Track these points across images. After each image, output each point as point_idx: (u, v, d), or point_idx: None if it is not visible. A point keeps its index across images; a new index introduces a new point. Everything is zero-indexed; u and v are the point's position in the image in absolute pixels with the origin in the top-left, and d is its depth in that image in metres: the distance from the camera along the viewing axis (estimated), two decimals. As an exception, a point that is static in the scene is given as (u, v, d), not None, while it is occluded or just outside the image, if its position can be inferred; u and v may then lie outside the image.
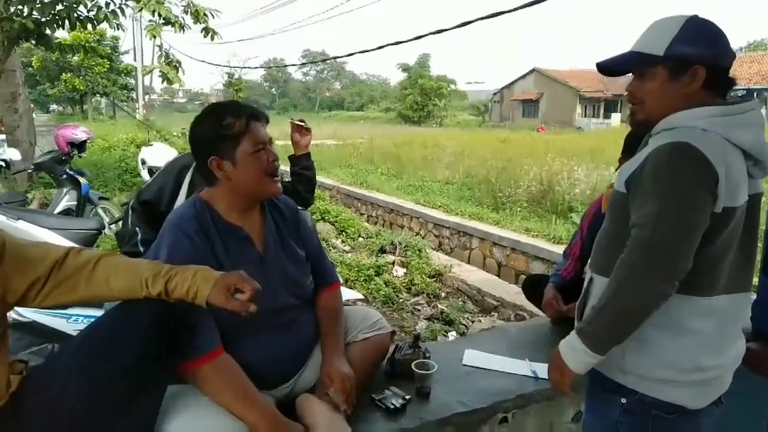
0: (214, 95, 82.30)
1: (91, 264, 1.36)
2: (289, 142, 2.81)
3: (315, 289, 1.84)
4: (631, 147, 2.19)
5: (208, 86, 73.87)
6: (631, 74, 1.45)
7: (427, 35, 6.42)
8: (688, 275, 1.24)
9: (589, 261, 1.54)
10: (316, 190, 3.00)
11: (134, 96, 27.98)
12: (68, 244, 3.68)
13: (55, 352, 1.50)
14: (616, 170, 2.37)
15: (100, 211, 5.93)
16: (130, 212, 2.49)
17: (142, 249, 2.31)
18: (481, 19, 5.27)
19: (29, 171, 6.24)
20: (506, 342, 2.34)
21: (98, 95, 31.37)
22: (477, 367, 2.10)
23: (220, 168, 1.60)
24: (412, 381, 1.90)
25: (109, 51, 23.14)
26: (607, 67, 1.44)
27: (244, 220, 1.67)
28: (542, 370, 2.04)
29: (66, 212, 5.56)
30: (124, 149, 12.83)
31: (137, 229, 2.41)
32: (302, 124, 2.78)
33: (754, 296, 1.44)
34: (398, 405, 1.76)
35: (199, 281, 1.32)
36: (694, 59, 1.31)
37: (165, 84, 6.69)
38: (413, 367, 1.92)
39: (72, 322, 2.52)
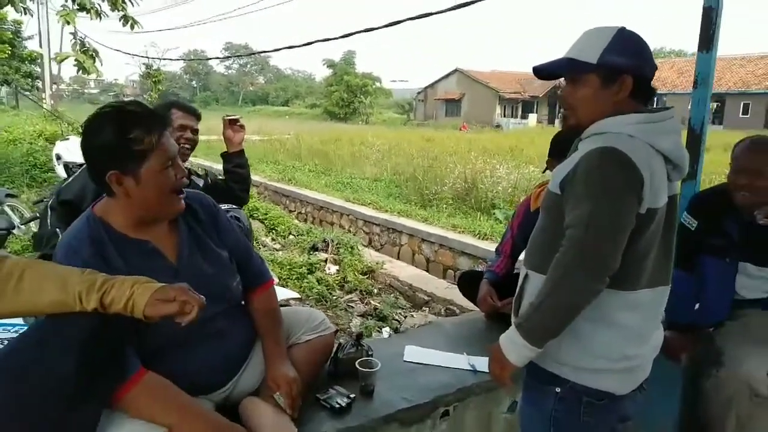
0: (130, 86, 78.14)
1: (15, 275, 1.26)
2: (213, 137, 2.72)
3: (245, 289, 1.76)
4: (558, 147, 2.32)
5: (123, 76, 69.93)
6: (562, 79, 1.53)
7: (356, 33, 6.42)
8: (617, 271, 1.33)
9: (523, 258, 1.63)
10: None
11: (40, 85, 25.90)
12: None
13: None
14: (544, 171, 2.51)
15: (7, 209, 5.48)
16: (49, 212, 2.33)
17: None
18: (411, 19, 5.34)
19: None
20: (444, 337, 2.41)
21: (-1, 84, 28.79)
22: (418, 363, 2.15)
23: (119, 183, 1.43)
24: (355, 379, 1.92)
25: (11, 36, 21.23)
26: (543, 71, 1.52)
27: (149, 232, 1.53)
28: (480, 363, 2.14)
29: (-33, 211, 5.09)
30: (32, 142, 11.86)
31: (57, 230, 2.26)
32: (237, 118, 2.71)
33: (663, 298, 1.54)
34: (343, 404, 1.77)
35: (136, 294, 1.26)
36: (623, 69, 1.40)
37: (80, 73, 6.24)
38: (357, 365, 1.94)
39: (-16, 332, 2.32)
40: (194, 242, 1.62)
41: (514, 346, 1.40)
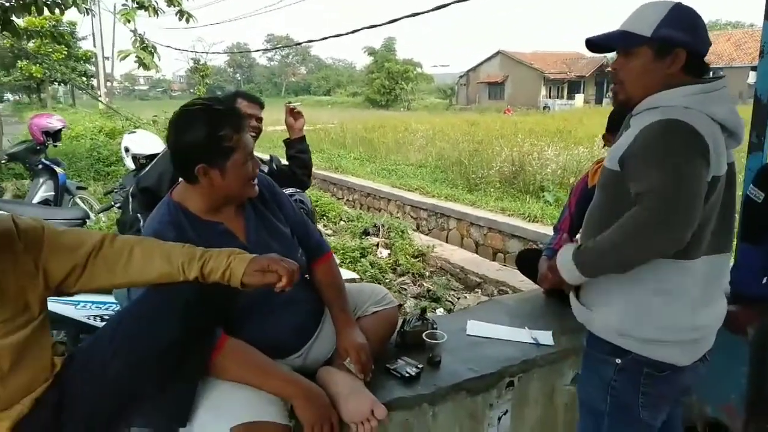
0: (177, 81, 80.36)
1: (126, 250, 1.40)
2: (273, 127, 2.83)
3: (308, 263, 1.85)
4: (615, 123, 2.31)
5: (170, 72, 71.95)
6: (612, 55, 1.55)
7: (401, 18, 6.44)
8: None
9: (580, 234, 1.65)
10: None
11: (94, 83, 27.07)
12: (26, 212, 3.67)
13: (94, 335, 1.53)
14: (604, 147, 2.51)
15: (78, 200, 5.83)
16: (130, 199, 2.50)
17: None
18: (458, 1, 5.33)
19: (2, 161, 6.06)
20: (505, 313, 2.46)
21: (56, 83, 30.25)
22: (481, 337, 2.21)
23: (206, 175, 1.57)
24: (421, 351, 2.00)
25: (67, 37, 22.24)
26: (596, 43, 1.52)
27: (221, 214, 1.67)
28: (543, 337, 2.18)
29: (44, 202, 5.44)
30: (93, 138, 12.48)
31: (139, 215, 2.43)
32: (296, 107, 2.83)
33: (732, 257, 1.54)
34: (413, 373, 1.85)
35: (233, 264, 1.37)
36: (677, 42, 1.40)
37: (139, 69, 6.53)
38: (424, 337, 2.02)
39: (80, 308, 2.54)
40: (260, 221, 1.74)
41: (566, 266, 1.48)
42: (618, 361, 1.49)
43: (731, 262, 1.55)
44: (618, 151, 1.43)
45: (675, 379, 1.50)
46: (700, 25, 1.44)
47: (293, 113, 2.83)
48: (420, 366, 1.89)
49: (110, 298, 2.57)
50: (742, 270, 2.17)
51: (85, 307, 2.53)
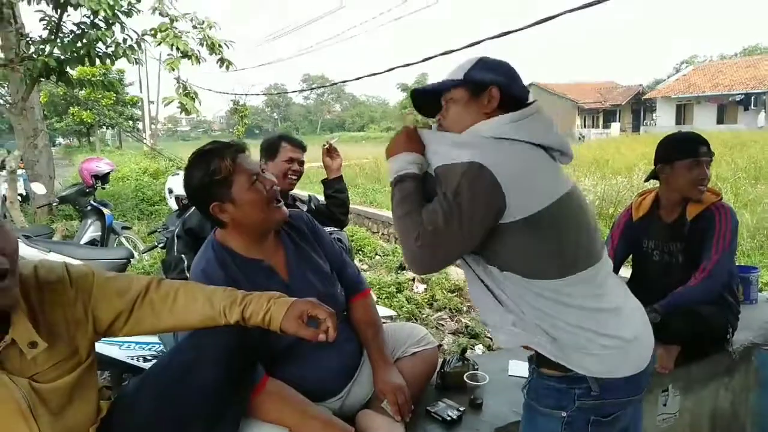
0: (217, 122, 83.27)
1: (171, 295, 1.42)
2: (309, 164, 2.88)
3: (346, 299, 1.85)
4: (666, 152, 2.29)
5: (211, 114, 74.72)
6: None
7: (436, 56, 6.55)
8: (541, 267, 1.32)
9: None
10: None
11: (140, 126, 28.36)
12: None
13: (139, 378, 1.56)
14: (647, 180, 2.45)
15: (123, 240, 6.04)
16: (175, 240, 2.57)
17: (188, 275, 2.39)
18: (491, 38, 5.40)
19: (54, 204, 6.36)
20: (547, 352, 2.40)
21: (105, 127, 31.84)
22: (524, 377, 2.15)
23: (223, 212, 1.61)
24: (462, 393, 1.96)
25: (116, 84, 23.54)
26: (421, 94, 1.57)
27: (262, 251, 1.69)
28: (588, 376, 2.11)
29: (91, 242, 5.66)
30: (138, 179, 13.00)
31: (183, 256, 2.49)
32: (332, 143, 2.89)
33: (606, 265, 1.45)
34: (454, 416, 1.81)
35: (273, 308, 1.38)
36: (488, 81, 1.43)
37: (182, 114, 6.84)
38: (465, 378, 1.99)
39: (124, 348, 2.59)
40: (300, 257, 1.76)
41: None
42: (563, 414, 1.40)
43: (609, 277, 1.45)
44: (441, 160, 1.41)
45: (619, 421, 1.43)
46: (510, 69, 1.49)
47: (330, 153, 2.88)
48: (461, 409, 1.86)
49: (154, 339, 2.62)
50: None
51: (129, 348, 2.59)
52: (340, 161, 2.92)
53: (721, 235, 2.19)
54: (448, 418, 1.81)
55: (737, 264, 2.59)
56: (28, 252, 4.00)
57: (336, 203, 2.89)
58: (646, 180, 2.43)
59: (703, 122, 29.38)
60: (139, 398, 1.44)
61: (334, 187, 2.88)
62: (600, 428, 1.40)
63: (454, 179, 1.31)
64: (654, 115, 35.59)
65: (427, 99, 1.57)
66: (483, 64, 1.48)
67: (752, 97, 28.70)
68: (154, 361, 2.53)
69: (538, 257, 1.33)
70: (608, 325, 1.37)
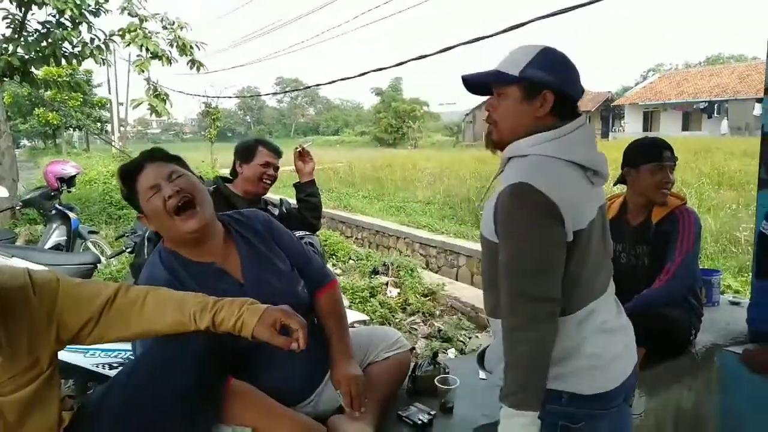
0: (189, 124, 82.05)
1: (140, 300, 1.40)
2: (282, 168, 2.85)
3: (311, 294, 1.81)
4: (632, 157, 2.35)
5: (182, 116, 73.62)
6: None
7: (408, 61, 6.59)
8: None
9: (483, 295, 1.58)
10: None
11: (108, 128, 27.76)
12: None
13: (104, 386, 1.51)
14: (615, 184, 2.51)
15: (89, 245, 5.89)
16: (145, 243, 2.53)
17: None
18: (463, 44, 5.45)
19: (17, 207, 6.17)
20: (518, 355, 2.42)
21: (71, 129, 31.07)
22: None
23: (149, 223, 1.64)
24: (434, 397, 1.96)
25: (83, 85, 22.99)
26: (471, 81, 1.52)
27: (212, 253, 1.64)
28: (557, 379, 2.14)
29: (56, 247, 5.51)
30: (106, 182, 12.71)
31: None
32: (305, 147, 2.87)
33: (609, 297, 1.49)
34: (425, 420, 1.81)
35: (245, 315, 1.36)
36: (544, 83, 1.39)
37: (152, 116, 6.72)
38: (436, 382, 1.99)
39: (89, 356, 2.52)
40: (255, 257, 1.71)
41: (511, 420, 1.32)
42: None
43: (610, 298, 1.49)
44: (489, 219, 1.40)
45: (592, 430, 1.43)
46: (568, 68, 1.44)
47: (303, 156, 2.87)
48: (432, 412, 1.85)
49: (120, 345, 2.56)
50: (761, 308, 2.13)
51: (94, 355, 2.52)
52: (313, 165, 2.90)
53: (684, 238, 2.25)
54: (419, 422, 1.81)
55: (700, 267, 2.66)
56: (-12, 257, 3.87)
57: (308, 207, 2.88)
58: (615, 184, 2.49)
59: (669, 129, 30.17)
60: (104, 407, 1.40)
61: (306, 191, 2.87)
62: None
63: None
64: (622, 121, 36.40)
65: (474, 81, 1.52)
66: (541, 60, 1.41)
67: (715, 105, 29.56)
68: (121, 368, 2.48)
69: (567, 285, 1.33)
70: (596, 345, 1.39)
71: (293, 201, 2.95)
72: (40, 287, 1.32)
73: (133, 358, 2.42)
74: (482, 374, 2.21)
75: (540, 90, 1.39)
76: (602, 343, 1.41)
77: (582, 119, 1.44)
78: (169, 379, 1.34)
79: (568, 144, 1.38)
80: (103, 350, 2.54)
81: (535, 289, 1.28)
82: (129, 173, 1.60)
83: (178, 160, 1.69)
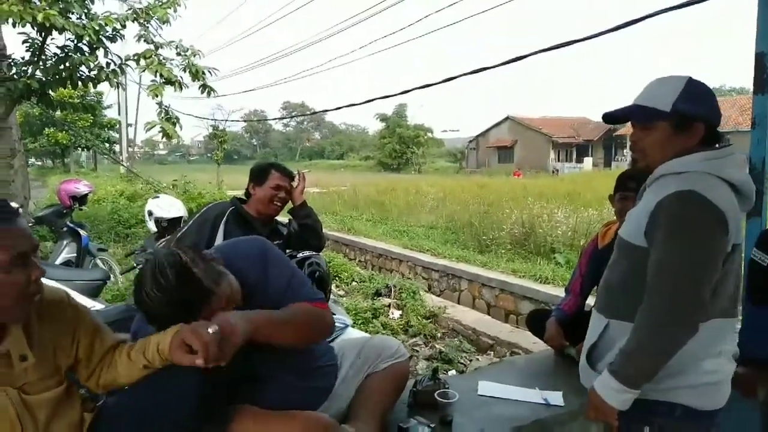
0: (195, 147, 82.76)
1: (125, 355, 1.50)
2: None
3: None
4: (622, 184, 2.45)
5: (189, 138, 74.35)
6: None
7: (413, 89, 6.78)
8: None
9: (599, 305, 1.65)
10: None
11: (116, 149, 28.11)
12: (74, 294, 3.80)
13: (121, 392, 1.61)
14: (616, 211, 2.61)
15: (99, 262, 6.00)
16: None
17: None
18: (466, 74, 5.62)
19: (29, 224, 6.30)
20: (516, 373, 2.50)
21: (80, 149, 31.45)
22: (492, 397, 2.25)
23: None
24: (433, 411, 2.03)
25: (96, 107, 23.38)
26: (613, 118, 1.58)
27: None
28: (553, 397, 2.21)
29: (66, 263, 5.62)
30: (114, 201, 12.90)
31: None
32: (293, 175, 2.89)
33: (735, 321, 1.57)
34: (425, 432, 1.90)
35: (161, 341, 1.40)
36: (696, 116, 1.47)
37: (163, 139, 6.90)
38: (436, 396, 2.07)
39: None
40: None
41: (612, 392, 1.45)
42: (646, 428, 1.51)
43: (737, 326, 1.59)
44: (637, 225, 1.48)
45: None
46: (713, 98, 1.52)
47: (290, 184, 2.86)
48: (432, 425, 1.90)
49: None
50: (752, 333, 2.20)
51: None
52: (301, 187, 2.92)
53: None
54: (420, 434, 1.88)
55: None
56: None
57: (307, 230, 2.93)
58: (615, 209, 2.57)
59: (672, 159, 30.24)
60: (122, 407, 1.50)
61: (300, 214, 2.92)
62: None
63: None
64: (625, 151, 36.64)
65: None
66: (689, 94, 1.45)
67: (730, 142, 29.68)
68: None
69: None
70: (714, 363, 1.49)
71: None
72: (73, 310, 1.48)
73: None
74: (480, 390, 2.29)
75: (691, 122, 1.47)
76: (719, 362, 1.50)
77: (734, 146, 1.51)
78: (166, 408, 1.43)
79: (725, 165, 1.45)
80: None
81: (694, 292, 1.36)
82: None
83: None
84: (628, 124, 1.60)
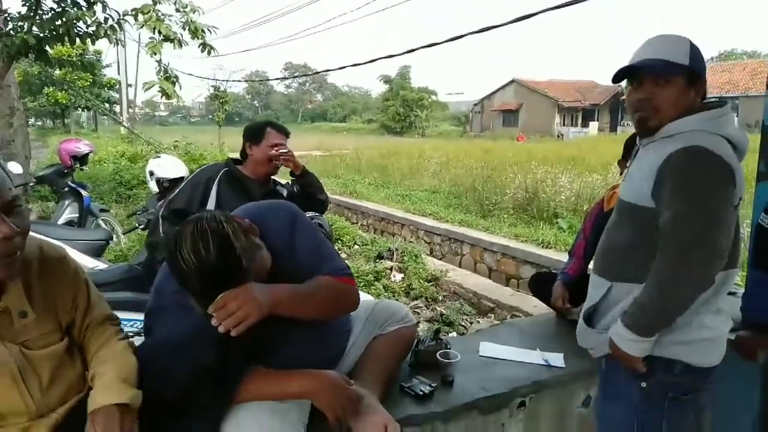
0: (196, 108, 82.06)
1: (101, 342, 1.49)
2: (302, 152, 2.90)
3: None
4: (630, 150, 2.40)
5: (190, 99, 73.58)
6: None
7: (418, 48, 6.64)
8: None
9: (599, 269, 1.64)
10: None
11: (117, 109, 27.86)
12: (77, 254, 3.81)
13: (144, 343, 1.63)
14: (621, 174, 2.58)
15: (101, 222, 6.01)
16: (160, 221, 2.61)
17: None
18: (473, 33, 5.49)
19: (29, 184, 6.29)
20: (517, 335, 2.51)
21: (80, 109, 31.17)
22: (493, 358, 2.26)
23: None
24: (435, 371, 2.04)
25: (95, 65, 23.06)
26: (625, 73, 1.55)
27: None
28: (554, 358, 2.22)
29: (68, 224, 5.63)
30: (116, 162, 12.86)
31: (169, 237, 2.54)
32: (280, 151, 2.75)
33: (734, 275, 1.57)
34: (426, 391, 1.89)
35: (100, 397, 1.37)
36: (703, 72, 1.53)
37: (162, 98, 6.80)
38: (438, 356, 2.08)
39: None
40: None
41: (629, 342, 1.46)
42: (643, 384, 1.52)
43: (733, 279, 1.58)
44: (642, 185, 1.47)
45: (697, 402, 1.54)
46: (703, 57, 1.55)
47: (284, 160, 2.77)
48: (433, 385, 1.93)
49: (136, 315, 2.66)
50: (756, 298, 2.20)
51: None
52: (290, 158, 2.77)
53: None
54: (421, 393, 1.88)
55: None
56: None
57: (308, 193, 2.90)
58: (621, 173, 2.54)
59: (678, 124, 29.96)
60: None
61: (300, 182, 2.89)
62: (677, 405, 1.51)
63: None
64: (631, 115, 36.19)
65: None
66: (695, 50, 1.52)
67: (726, 101, 29.38)
68: (136, 337, 2.57)
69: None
70: (712, 320, 1.51)
71: None
72: (73, 268, 1.47)
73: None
74: (482, 351, 2.31)
75: (698, 78, 1.51)
76: (718, 320, 1.52)
77: (729, 105, 1.56)
78: (191, 356, 1.43)
79: (724, 123, 1.49)
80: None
81: (712, 244, 1.36)
82: None
83: None
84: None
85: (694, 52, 1.50)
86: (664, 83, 1.51)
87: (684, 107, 1.50)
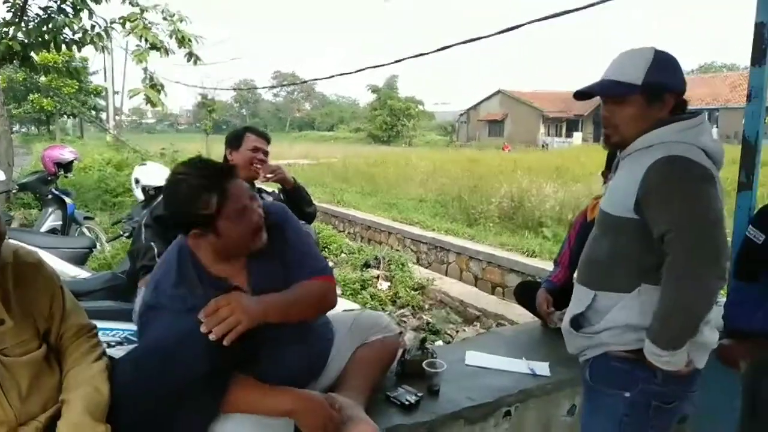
0: (184, 116, 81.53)
1: (80, 354, 1.48)
2: (276, 161, 2.86)
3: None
4: (612, 161, 2.43)
5: (178, 107, 73.15)
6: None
7: (406, 59, 6.69)
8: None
9: (582, 279, 1.65)
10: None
11: (103, 116, 27.60)
12: (60, 262, 3.76)
13: (116, 360, 1.60)
14: (605, 183, 2.61)
15: (84, 230, 5.93)
16: (143, 229, 2.59)
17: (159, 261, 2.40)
18: (461, 43, 5.55)
19: (12, 191, 6.20)
20: (503, 343, 2.52)
21: (66, 116, 30.84)
22: (479, 367, 2.26)
23: (202, 238, 1.54)
24: (421, 380, 2.04)
25: (81, 72, 22.82)
26: (586, 94, 1.59)
27: (228, 267, 1.62)
28: (539, 368, 2.23)
29: (52, 231, 5.55)
30: (101, 170, 12.73)
31: (152, 244, 2.50)
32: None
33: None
34: (412, 401, 1.89)
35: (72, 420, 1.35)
36: (666, 87, 1.50)
37: (147, 106, 6.77)
38: (424, 365, 2.07)
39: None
40: (263, 271, 1.67)
41: (660, 359, 1.44)
42: (627, 394, 1.52)
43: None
44: (625, 197, 1.47)
45: (680, 410, 1.56)
46: (679, 67, 1.54)
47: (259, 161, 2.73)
48: (419, 394, 1.93)
49: (119, 325, 2.63)
50: (737, 307, 2.23)
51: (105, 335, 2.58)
52: (278, 171, 2.78)
53: None
54: (407, 403, 1.88)
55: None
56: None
57: (300, 206, 2.89)
58: (604, 183, 2.58)
59: (661, 135, 30.35)
60: (115, 380, 1.47)
61: (291, 197, 2.84)
62: (661, 415, 1.52)
63: None
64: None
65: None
66: (658, 64, 1.47)
67: (707, 113, 29.88)
68: (119, 347, 2.54)
69: None
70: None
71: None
72: (49, 274, 1.47)
73: (133, 337, 2.47)
74: (468, 360, 2.31)
75: (662, 94, 1.49)
76: (704, 329, 1.50)
77: (704, 115, 1.54)
78: (182, 362, 1.40)
79: (699, 134, 1.48)
80: (101, 329, 2.60)
81: (716, 240, 1.37)
82: (209, 188, 1.50)
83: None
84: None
85: (657, 66, 1.47)
86: (621, 102, 1.52)
87: (648, 122, 1.50)
